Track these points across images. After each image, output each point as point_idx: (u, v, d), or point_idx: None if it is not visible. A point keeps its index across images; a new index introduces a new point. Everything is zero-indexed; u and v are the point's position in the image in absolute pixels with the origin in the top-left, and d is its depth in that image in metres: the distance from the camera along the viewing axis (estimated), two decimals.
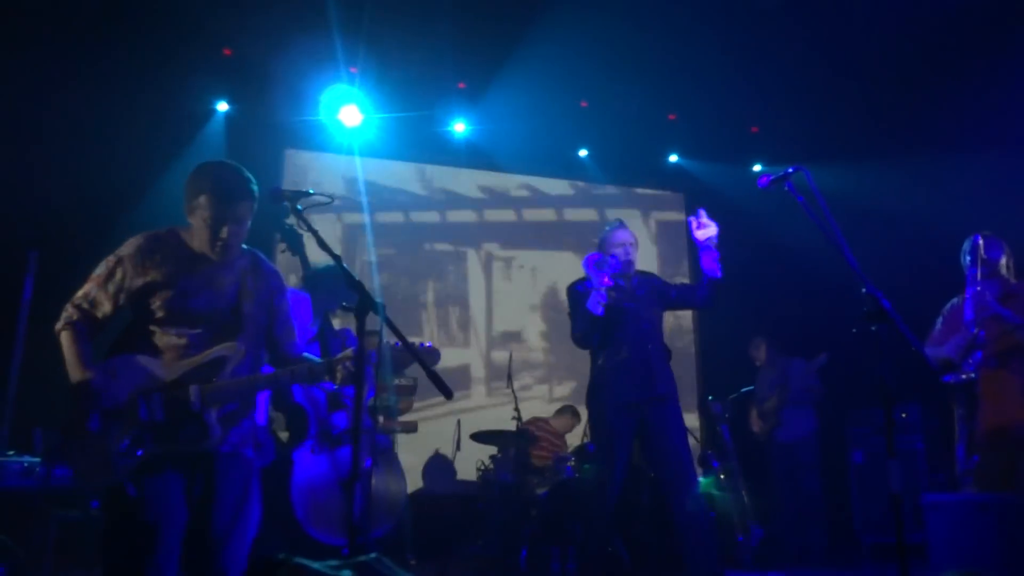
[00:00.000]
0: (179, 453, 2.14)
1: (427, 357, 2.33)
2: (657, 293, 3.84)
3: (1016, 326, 3.22)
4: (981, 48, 6.02)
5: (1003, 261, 3.38)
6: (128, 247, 2.24)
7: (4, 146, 5.34)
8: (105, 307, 2.21)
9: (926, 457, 6.04)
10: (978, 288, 3.27)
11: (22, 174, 5.54)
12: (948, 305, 3.59)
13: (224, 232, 2.20)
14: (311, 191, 2.39)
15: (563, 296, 7.85)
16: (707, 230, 3.50)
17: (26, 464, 3.83)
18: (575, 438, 6.14)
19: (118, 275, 2.21)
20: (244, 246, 2.36)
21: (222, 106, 6.60)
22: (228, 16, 5.90)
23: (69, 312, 2.21)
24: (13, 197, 5.35)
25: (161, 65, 5.93)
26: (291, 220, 3.16)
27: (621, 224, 3.93)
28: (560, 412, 6.28)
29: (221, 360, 2.19)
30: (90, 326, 2.21)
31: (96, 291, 2.21)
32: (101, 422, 2.09)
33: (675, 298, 3.86)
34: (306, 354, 2.47)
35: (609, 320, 3.57)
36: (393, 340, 2.33)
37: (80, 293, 2.23)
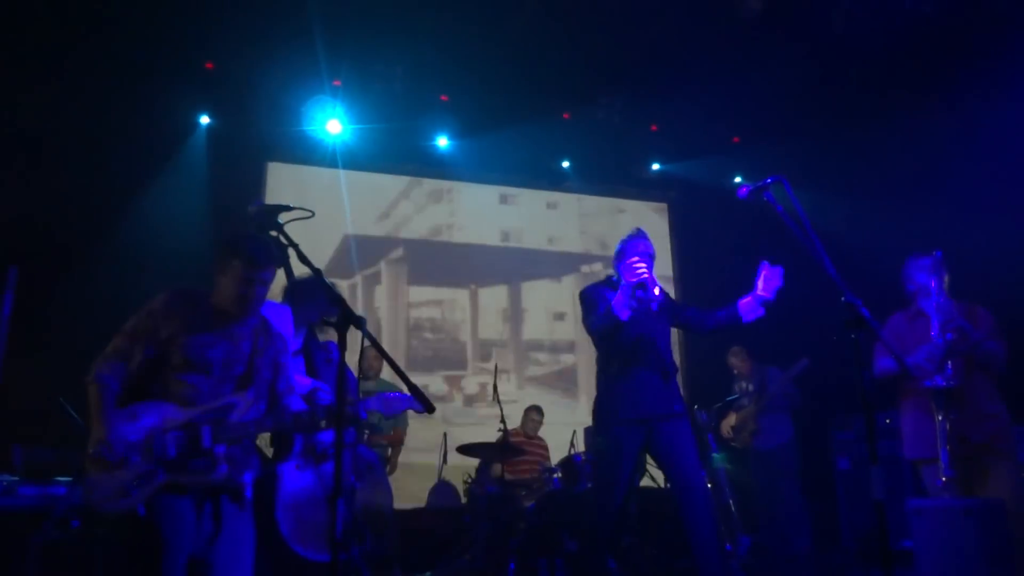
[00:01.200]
0: (188, 483, 2.38)
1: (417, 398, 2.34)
2: (669, 311, 3.78)
3: (977, 342, 3.39)
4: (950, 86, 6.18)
5: (946, 280, 3.58)
6: (157, 302, 2.48)
7: None
8: (136, 358, 2.43)
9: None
10: (941, 300, 3.44)
11: (1, 188, 5.49)
12: (890, 320, 3.73)
13: (251, 291, 2.46)
14: (291, 205, 2.50)
15: (547, 306, 7.76)
16: (772, 284, 3.39)
17: (5, 483, 3.76)
18: (552, 439, 6.14)
19: (148, 327, 2.44)
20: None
21: (204, 119, 6.58)
22: (210, 30, 5.90)
23: (99, 365, 2.41)
24: None
25: (143, 79, 5.90)
26: (275, 233, 3.16)
27: (642, 234, 3.74)
28: (524, 415, 6.26)
29: (231, 405, 2.46)
30: (119, 377, 2.42)
31: (126, 343, 2.43)
32: (120, 457, 2.31)
33: (684, 320, 3.77)
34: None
35: (629, 333, 3.53)
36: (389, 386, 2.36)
37: (111, 345, 2.44)
